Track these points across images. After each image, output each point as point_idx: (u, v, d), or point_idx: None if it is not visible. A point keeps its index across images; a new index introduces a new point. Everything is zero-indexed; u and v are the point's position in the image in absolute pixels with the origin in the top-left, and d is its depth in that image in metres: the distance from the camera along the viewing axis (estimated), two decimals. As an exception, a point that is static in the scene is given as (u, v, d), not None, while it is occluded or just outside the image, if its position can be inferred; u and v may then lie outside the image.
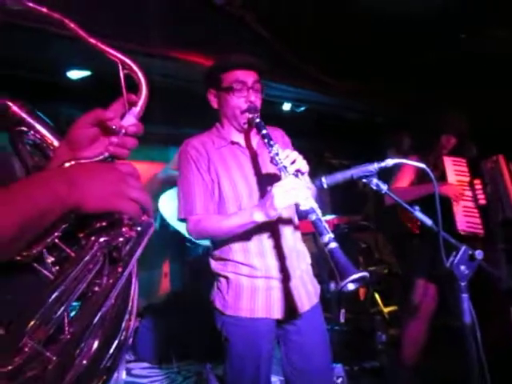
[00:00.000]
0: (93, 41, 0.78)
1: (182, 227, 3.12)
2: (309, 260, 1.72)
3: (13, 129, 0.81)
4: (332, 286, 3.32)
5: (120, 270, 0.71)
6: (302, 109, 4.31)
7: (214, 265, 1.65)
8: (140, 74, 0.81)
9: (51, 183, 0.60)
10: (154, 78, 0.80)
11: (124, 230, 0.73)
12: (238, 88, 1.60)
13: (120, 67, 0.80)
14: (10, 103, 0.85)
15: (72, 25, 0.75)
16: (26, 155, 0.81)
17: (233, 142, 1.67)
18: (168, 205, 3.44)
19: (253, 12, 2.94)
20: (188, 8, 2.73)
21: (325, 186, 1.37)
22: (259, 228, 1.51)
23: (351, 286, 1.16)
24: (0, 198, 0.54)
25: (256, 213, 1.42)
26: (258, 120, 1.56)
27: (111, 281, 0.68)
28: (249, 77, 1.61)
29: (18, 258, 0.59)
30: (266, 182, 1.60)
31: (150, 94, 0.83)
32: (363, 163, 1.38)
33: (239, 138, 1.69)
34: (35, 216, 0.56)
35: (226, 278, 1.60)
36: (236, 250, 1.59)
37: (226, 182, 1.60)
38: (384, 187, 1.36)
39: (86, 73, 3.02)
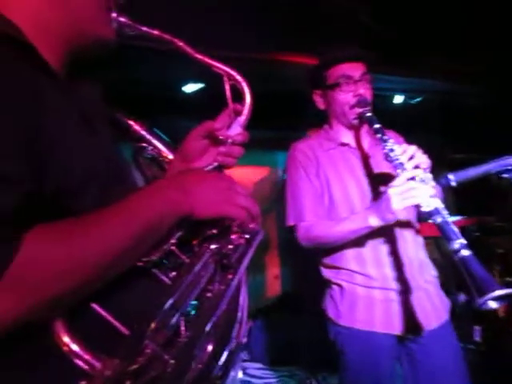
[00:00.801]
0: (199, 56, 0.82)
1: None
2: (434, 271, 1.55)
3: (135, 145, 0.90)
4: (461, 298, 2.93)
5: (230, 276, 0.72)
6: (417, 100, 3.99)
7: (326, 272, 1.57)
8: (244, 84, 0.83)
9: (167, 191, 0.65)
10: (259, 83, 0.81)
11: (233, 237, 0.75)
12: (344, 82, 1.51)
13: (225, 79, 0.82)
14: (132, 122, 0.94)
15: (180, 43, 0.80)
16: (145, 168, 0.88)
17: (342, 144, 1.59)
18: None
19: (365, 3, 2.83)
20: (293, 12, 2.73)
21: (453, 183, 1.20)
22: (374, 233, 1.41)
23: (493, 304, 1.00)
24: (122, 205, 0.59)
25: (371, 217, 1.33)
26: (369, 114, 1.46)
27: (223, 287, 0.69)
28: (355, 69, 1.52)
29: (139, 263, 0.64)
30: (379, 182, 1.49)
31: (254, 102, 0.84)
32: (496, 156, 1.20)
33: (349, 139, 1.61)
34: (154, 221, 0.61)
35: (340, 286, 1.51)
36: (349, 257, 1.49)
37: (336, 185, 1.52)
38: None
39: (199, 85, 3.23)
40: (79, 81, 0.75)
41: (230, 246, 0.76)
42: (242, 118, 0.84)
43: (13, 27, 0.60)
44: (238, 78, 0.83)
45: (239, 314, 0.77)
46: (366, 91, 1.51)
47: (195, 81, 3.16)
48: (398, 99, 3.91)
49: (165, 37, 0.79)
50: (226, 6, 2.58)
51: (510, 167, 1.17)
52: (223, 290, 0.69)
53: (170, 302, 0.61)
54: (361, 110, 1.48)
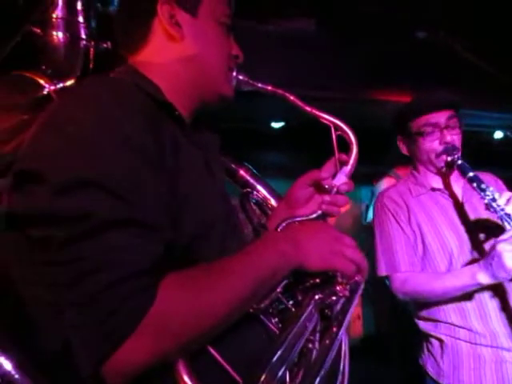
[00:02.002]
0: (308, 108, 0.85)
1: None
2: None
3: (241, 190, 0.95)
4: None
5: (335, 330, 0.72)
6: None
7: (422, 325, 1.47)
8: (351, 135, 0.84)
9: (281, 244, 0.67)
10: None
11: (338, 288, 0.75)
12: (428, 131, 1.44)
13: (332, 129, 0.85)
14: (238, 168, 1.00)
15: (292, 97, 0.85)
16: (251, 213, 0.92)
17: (433, 189, 1.51)
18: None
19: (460, 38, 2.73)
20: (392, 48, 2.72)
21: None
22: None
23: None
24: (241, 258, 0.63)
25: (480, 274, 1.23)
26: (459, 162, 1.36)
27: (327, 341, 0.69)
28: (440, 117, 1.44)
29: (251, 310, 0.67)
30: (478, 230, 1.39)
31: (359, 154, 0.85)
32: None
33: (439, 183, 1.52)
34: (268, 274, 0.64)
35: (440, 340, 1.41)
36: (449, 309, 1.39)
37: (430, 232, 1.44)
38: None
39: (282, 123, 3.36)
40: (199, 127, 0.82)
41: (334, 297, 0.76)
42: (348, 168, 0.85)
43: (155, 87, 0.69)
44: (346, 128, 0.84)
45: (341, 366, 0.76)
46: (453, 137, 1.42)
47: (277, 120, 3.29)
48: (498, 135, 3.66)
49: (278, 92, 0.84)
50: (316, 47, 2.65)
51: None
52: (329, 345, 0.69)
53: (279, 353, 0.62)
54: (449, 158, 1.40)
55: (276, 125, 3.43)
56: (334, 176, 0.86)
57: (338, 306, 0.77)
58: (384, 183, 2.98)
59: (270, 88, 0.85)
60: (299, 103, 0.85)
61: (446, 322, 1.39)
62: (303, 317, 0.70)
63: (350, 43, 2.72)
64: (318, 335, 0.75)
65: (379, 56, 2.74)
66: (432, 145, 1.45)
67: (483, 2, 2.51)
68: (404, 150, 1.59)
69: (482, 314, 1.34)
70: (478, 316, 1.34)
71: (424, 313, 1.46)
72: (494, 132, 3.64)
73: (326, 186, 0.85)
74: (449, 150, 1.41)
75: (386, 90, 2.82)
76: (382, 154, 3.00)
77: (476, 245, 1.37)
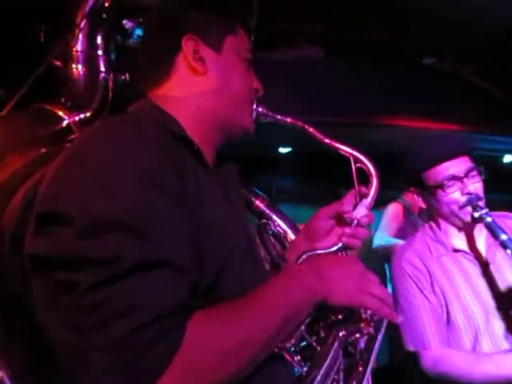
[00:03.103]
0: (327, 141, 0.85)
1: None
2: None
3: (259, 222, 0.94)
4: None
5: (361, 369, 0.69)
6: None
7: None
8: (371, 167, 0.84)
9: (305, 278, 0.65)
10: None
11: (362, 325, 0.73)
12: (449, 184, 1.30)
13: (352, 161, 0.84)
14: (254, 198, 0.99)
15: (311, 129, 0.85)
16: (270, 245, 0.91)
17: (456, 250, 1.36)
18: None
19: (467, 64, 2.76)
20: (396, 75, 2.76)
21: None
22: None
23: None
24: (264, 294, 0.61)
25: None
26: (488, 220, 1.24)
27: (354, 383, 0.67)
28: (460, 166, 1.30)
29: (276, 349, 0.65)
30: (507, 300, 1.27)
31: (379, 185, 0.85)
32: None
33: (462, 241, 1.37)
34: (294, 310, 0.62)
35: None
36: None
37: (454, 303, 1.30)
38: None
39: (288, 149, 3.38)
40: (220, 161, 0.82)
41: (358, 335, 0.73)
42: (368, 201, 0.84)
43: (173, 121, 0.69)
44: (365, 160, 0.84)
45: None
46: (475, 185, 1.30)
47: (284, 145, 3.32)
48: (508, 158, 3.65)
49: (298, 124, 0.84)
50: (325, 74, 2.69)
51: None
52: (355, 386, 0.66)
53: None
54: (476, 214, 1.27)
55: (284, 150, 3.45)
56: (353, 208, 0.85)
57: (362, 344, 0.75)
58: (390, 208, 2.94)
59: (289, 120, 0.85)
60: (318, 135, 0.85)
61: None
62: (330, 356, 0.68)
63: (359, 69, 2.76)
64: (341, 374, 0.73)
65: (388, 81, 2.77)
66: (453, 197, 1.30)
67: (490, 27, 2.55)
68: (420, 202, 1.43)
69: None
70: None
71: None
72: (503, 156, 3.64)
73: (347, 219, 0.84)
74: (473, 200, 1.28)
75: (394, 116, 2.84)
76: (391, 179, 2.99)
77: (506, 317, 1.26)
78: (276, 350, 0.64)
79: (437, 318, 1.31)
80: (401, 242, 2.55)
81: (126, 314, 0.48)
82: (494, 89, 2.92)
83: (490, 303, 1.28)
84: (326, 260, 0.73)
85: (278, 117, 0.85)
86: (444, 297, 1.32)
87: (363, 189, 0.84)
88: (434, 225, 1.43)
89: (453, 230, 1.38)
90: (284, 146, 3.42)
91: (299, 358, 0.72)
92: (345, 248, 0.83)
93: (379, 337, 0.76)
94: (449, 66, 2.74)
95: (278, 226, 0.94)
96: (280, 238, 0.96)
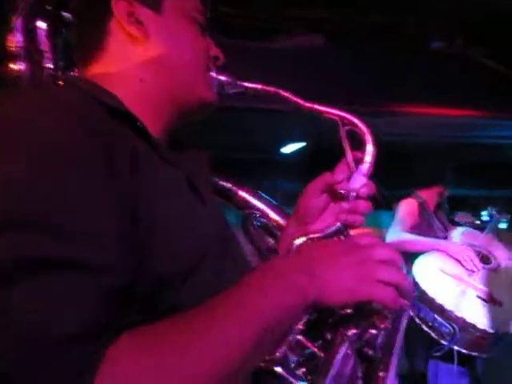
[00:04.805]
0: (308, 105, 0.71)
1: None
2: None
3: (242, 212, 0.80)
4: None
5: (381, 374, 0.54)
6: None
7: None
8: (363, 127, 0.69)
9: (289, 275, 0.50)
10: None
11: (376, 319, 0.58)
12: None
13: (340, 125, 0.70)
14: (237, 188, 0.86)
15: (286, 94, 0.71)
16: (257, 238, 0.76)
17: None
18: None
19: (478, 47, 2.62)
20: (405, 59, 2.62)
21: None
22: None
23: None
24: (236, 300, 0.46)
25: None
26: None
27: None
28: None
29: (261, 364, 0.50)
30: None
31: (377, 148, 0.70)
32: None
33: None
34: (278, 316, 0.47)
35: None
36: None
37: None
38: None
39: (300, 145, 3.22)
40: (183, 147, 0.69)
41: (373, 331, 0.58)
42: (366, 166, 0.69)
43: (114, 99, 0.56)
44: (356, 121, 0.70)
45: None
46: None
47: (294, 141, 3.16)
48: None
49: (269, 89, 0.71)
50: (327, 61, 2.56)
51: None
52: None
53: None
54: None
55: (286, 150, 3.32)
56: (348, 179, 0.70)
57: (381, 343, 0.60)
58: (404, 205, 2.74)
59: (260, 87, 0.72)
60: (296, 100, 0.71)
61: None
62: (337, 362, 0.53)
63: (362, 55, 2.62)
64: (360, 383, 0.57)
65: (394, 67, 2.62)
66: None
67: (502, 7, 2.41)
68: None
69: None
70: None
71: None
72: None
73: (342, 192, 0.69)
74: None
75: (403, 103, 2.68)
76: (404, 177, 2.81)
77: None
78: (262, 364, 0.49)
79: None
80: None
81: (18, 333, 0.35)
82: (509, 71, 2.76)
83: None
84: (316, 250, 0.56)
85: (247, 85, 0.72)
86: None
87: (358, 155, 0.70)
88: None
89: None
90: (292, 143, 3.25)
91: (304, 370, 0.57)
92: (345, 227, 0.68)
93: (400, 330, 0.60)
94: (460, 48, 2.60)
95: (265, 214, 0.79)
96: (270, 228, 0.81)
